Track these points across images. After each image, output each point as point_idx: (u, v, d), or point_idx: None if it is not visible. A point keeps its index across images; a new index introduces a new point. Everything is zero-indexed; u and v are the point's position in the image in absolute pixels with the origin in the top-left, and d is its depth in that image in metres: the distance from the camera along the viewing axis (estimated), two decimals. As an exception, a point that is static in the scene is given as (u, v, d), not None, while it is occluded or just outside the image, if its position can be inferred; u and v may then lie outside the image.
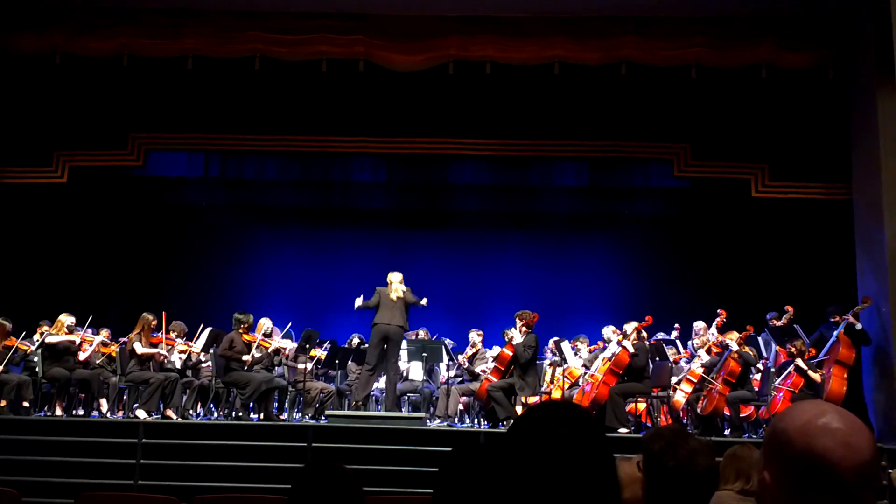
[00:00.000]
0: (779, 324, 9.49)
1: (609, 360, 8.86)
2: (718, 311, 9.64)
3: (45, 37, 10.08)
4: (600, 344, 9.73)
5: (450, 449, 1.97)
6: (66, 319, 9.14)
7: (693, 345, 9.62)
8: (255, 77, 10.35)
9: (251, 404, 8.84)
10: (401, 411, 9.28)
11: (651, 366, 8.85)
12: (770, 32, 9.82)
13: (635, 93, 10.43)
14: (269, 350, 9.22)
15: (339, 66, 10.26)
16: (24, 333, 9.11)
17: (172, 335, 9.45)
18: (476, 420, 9.73)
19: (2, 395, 8.38)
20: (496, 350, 9.79)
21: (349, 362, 9.99)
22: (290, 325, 9.97)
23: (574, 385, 9.40)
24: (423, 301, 9.11)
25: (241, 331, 8.90)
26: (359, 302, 9.05)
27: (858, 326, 8.81)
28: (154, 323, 9.06)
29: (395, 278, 9.05)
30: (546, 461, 1.33)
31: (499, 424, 8.54)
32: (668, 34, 9.92)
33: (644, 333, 9.02)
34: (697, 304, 10.77)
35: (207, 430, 8.08)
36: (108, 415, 8.95)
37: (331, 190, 12.66)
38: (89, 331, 9.44)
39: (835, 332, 8.74)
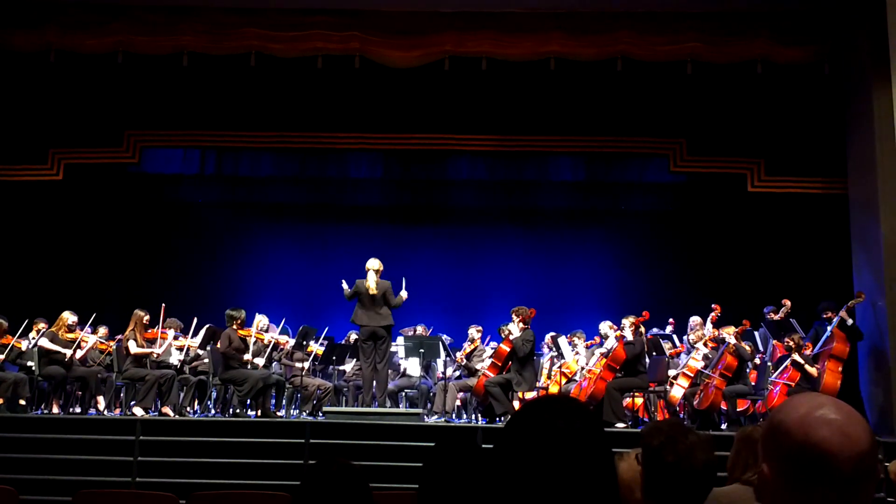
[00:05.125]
0: (775, 318, 9.51)
1: (605, 355, 8.87)
2: (713, 305, 9.66)
3: (40, 34, 10.04)
4: (597, 339, 9.74)
5: (433, 444, 1.96)
6: (69, 318, 9.09)
7: (689, 339, 9.63)
8: (251, 74, 10.34)
9: (248, 401, 8.84)
10: (398, 407, 9.27)
11: (648, 360, 8.85)
12: (766, 27, 9.83)
13: (631, 88, 10.44)
14: (265, 342, 9.21)
15: (334, 63, 10.25)
16: (20, 331, 9.09)
17: (168, 331, 9.42)
18: (473, 416, 9.73)
19: (-2, 393, 8.36)
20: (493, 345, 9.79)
21: (346, 359, 9.99)
22: (283, 321, 9.90)
23: (571, 380, 9.42)
24: (403, 294, 8.88)
25: (234, 327, 8.88)
26: (344, 287, 8.99)
27: (850, 322, 8.83)
28: (147, 319, 9.04)
29: (371, 266, 8.85)
30: (544, 455, 1.33)
31: (496, 420, 8.54)
32: (663, 29, 9.93)
33: (642, 328, 9.03)
34: (694, 298, 10.77)
35: (205, 427, 8.08)
36: (105, 412, 8.93)
37: (327, 186, 12.63)
38: (87, 329, 9.42)
39: (829, 327, 8.76)
